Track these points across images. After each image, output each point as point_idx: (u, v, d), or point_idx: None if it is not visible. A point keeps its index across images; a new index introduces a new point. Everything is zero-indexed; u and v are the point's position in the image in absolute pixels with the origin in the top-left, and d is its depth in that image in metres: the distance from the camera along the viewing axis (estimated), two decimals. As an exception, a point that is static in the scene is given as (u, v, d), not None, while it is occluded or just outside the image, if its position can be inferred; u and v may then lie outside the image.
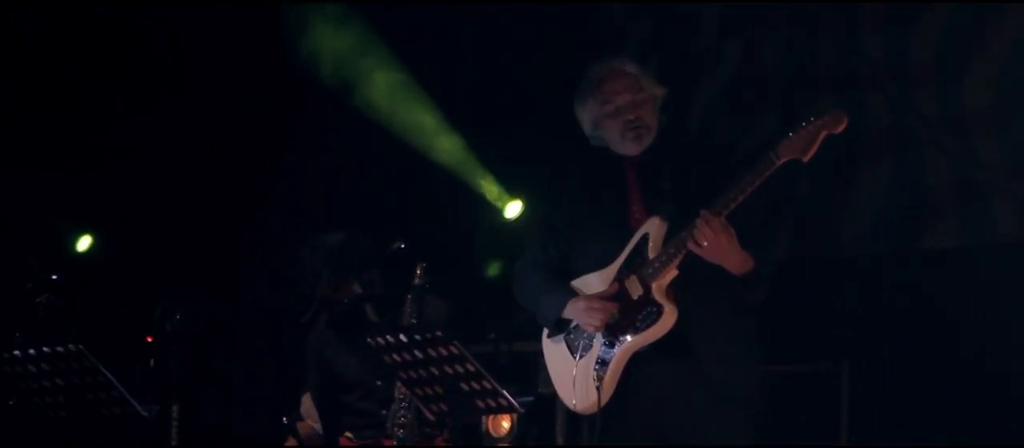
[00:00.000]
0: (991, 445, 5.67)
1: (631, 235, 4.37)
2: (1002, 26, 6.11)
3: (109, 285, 7.20)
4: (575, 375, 4.41)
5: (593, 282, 4.43)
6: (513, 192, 7.10)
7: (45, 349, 4.93)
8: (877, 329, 6.16)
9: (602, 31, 7.35)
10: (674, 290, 4.30)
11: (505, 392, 4.48)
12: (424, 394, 4.61)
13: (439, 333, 4.47)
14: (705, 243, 4.16)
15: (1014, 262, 5.91)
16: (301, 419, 5.58)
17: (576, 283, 4.47)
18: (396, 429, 5.16)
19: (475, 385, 4.48)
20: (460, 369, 4.47)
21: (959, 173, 6.21)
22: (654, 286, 4.29)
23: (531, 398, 5.94)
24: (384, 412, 5.24)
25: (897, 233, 6.37)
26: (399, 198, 7.21)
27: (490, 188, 7.11)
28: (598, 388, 4.31)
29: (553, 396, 5.89)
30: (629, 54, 4.63)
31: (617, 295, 4.37)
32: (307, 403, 5.59)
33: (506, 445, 5.99)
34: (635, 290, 4.33)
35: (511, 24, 7.17)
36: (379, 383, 5.30)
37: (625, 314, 4.34)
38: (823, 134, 4.07)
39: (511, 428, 5.90)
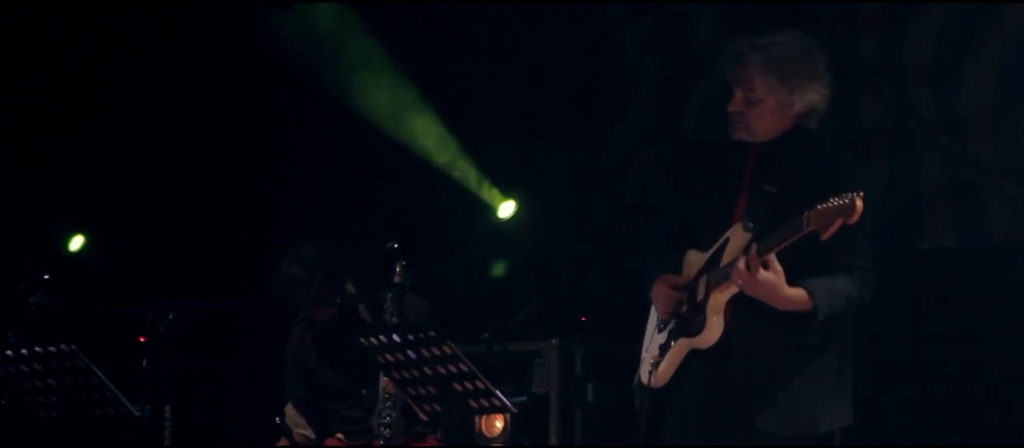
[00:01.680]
0: (985, 446, 5.66)
1: (728, 227, 4.26)
2: (997, 27, 6.10)
3: (102, 285, 7.18)
4: (647, 348, 4.40)
5: (692, 261, 4.34)
6: (507, 192, 7.09)
7: (38, 349, 4.92)
8: (872, 329, 6.15)
9: (600, 31, 7.35)
10: (732, 307, 4.20)
11: (498, 392, 4.47)
12: (417, 394, 4.60)
13: (433, 333, 4.46)
14: (739, 281, 4.07)
15: (1009, 263, 5.90)
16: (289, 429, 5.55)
17: (687, 255, 4.37)
18: (382, 429, 5.16)
19: (468, 385, 4.48)
20: (453, 369, 4.47)
21: (955, 174, 6.20)
22: (713, 295, 4.21)
23: (524, 398, 5.93)
24: (394, 413, 5.23)
25: (893, 234, 6.36)
26: (392, 199, 7.20)
27: (484, 188, 7.10)
28: (651, 372, 4.27)
29: (546, 396, 5.91)
30: (779, 39, 4.29)
31: (689, 287, 4.30)
32: (291, 413, 5.56)
33: (499, 445, 5.98)
34: (701, 291, 4.26)
35: (508, 24, 7.16)
36: (365, 392, 5.28)
37: (690, 310, 4.29)
38: (839, 222, 3.96)
39: (504, 428, 5.89)
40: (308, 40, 7.29)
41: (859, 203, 3.93)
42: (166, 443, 5.29)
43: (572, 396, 5.98)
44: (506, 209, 7.11)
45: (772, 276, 4.06)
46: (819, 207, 3.99)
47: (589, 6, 7.32)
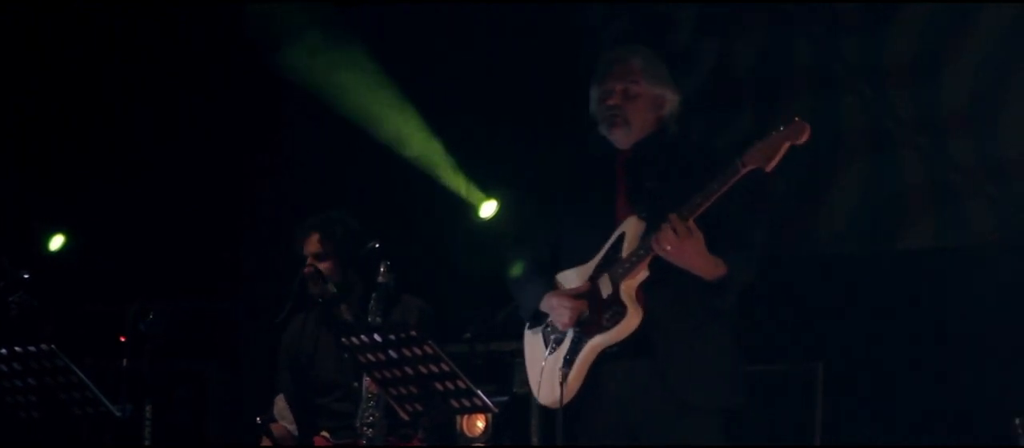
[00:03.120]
0: (965, 445, 5.69)
1: (612, 232, 4.36)
2: (976, 28, 6.13)
3: (82, 284, 7.16)
4: (544, 369, 4.41)
5: (572, 277, 4.42)
6: (488, 191, 7.09)
7: (17, 348, 4.90)
8: (852, 329, 6.18)
9: (579, 31, 7.36)
10: (645, 291, 4.28)
11: (479, 392, 4.47)
12: (398, 394, 4.60)
13: (413, 333, 4.46)
14: (668, 247, 4.14)
15: (988, 263, 5.93)
16: (274, 421, 5.55)
17: (559, 276, 4.46)
18: (364, 428, 5.15)
19: (449, 385, 4.47)
20: (434, 369, 4.46)
21: (934, 174, 6.23)
22: (623, 286, 4.28)
23: (506, 398, 5.93)
24: (377, 412, 5.22)
25: (872, 234, 6.39)
26: (374, 198, 7.19)
27: (465, 187, 7.10)
28: (562, 385, 4.31)
29: (528, 396, 5.92)
30: (647, 49, 4.52)
31: (589, 293, 4.36)
32: (280, 404, 5.57)
33: (481, 445, 5.98)
34: (606, 289, 4.32)
35: (488, 24, 7.16)
36: (356, 384, 5.28)
37: (594, 313, 4.33)
38: (786, 146, 4.07)
39: (486, 428, 5.89)
40: (291, 39, 7.28)
41: (806, 124, 4.06)
42: (146, 443, 5.27)
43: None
44: (488, 209, 7.11)
45: (697, 240, 4.13)
46: (757, 145, 4.09)
47: (568, 6, 7.33)
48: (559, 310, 4.38)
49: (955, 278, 6.01)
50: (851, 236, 6.42)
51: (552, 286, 4.45)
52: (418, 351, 4.45)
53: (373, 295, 5.20)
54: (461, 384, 4.45)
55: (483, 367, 5.83)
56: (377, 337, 4.49)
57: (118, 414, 4.99)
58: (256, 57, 7.27)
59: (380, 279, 5.22)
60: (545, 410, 4.54)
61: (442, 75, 7.20)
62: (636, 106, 4.42)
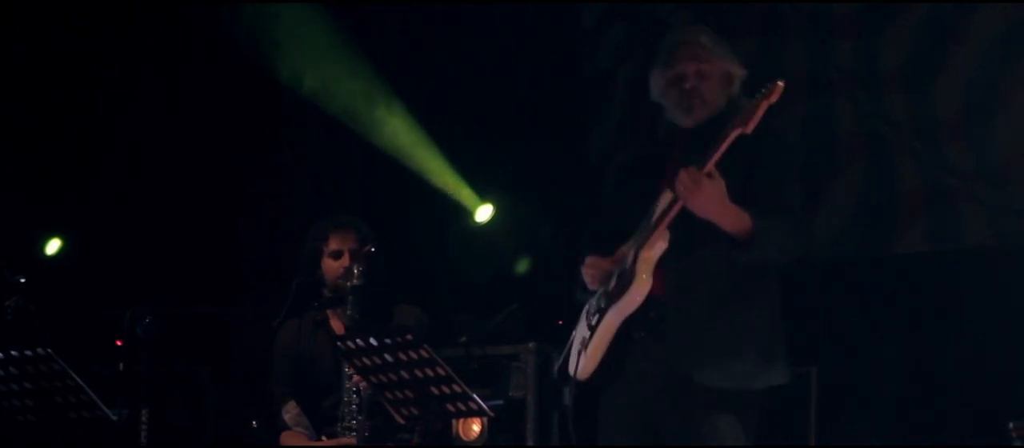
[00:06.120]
0: (956, 446, 5.70)
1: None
2: (970, 33, 6.15)
3: (78, 289, 7.17)
4: (575, 337, 4.38)
5: (623, 249, 4.35)
6: (484, 195, 7.11)
7: (13, 353, 4.90)
8: (846, 333, 6.19)
9: (574, 34, 7.37)
10: (666, 266, 4.19)
11: (475, 396, 4.48)
12: (395, 398, 4.61)
13: (409, 337, 4.47)
14: (681, 189, 4.08)
15: (982, 267, 5.95)
16: (288, 428, 5.53)
17: (622, 249, 4.38)
18: (346, 431, 5.17)
19: (446, 389, 4.48)
20: (430, 373, 4.47)
21: (928, 179, 6.24)
22: (641, 254, 4.21)
23: (502, 402, 5.94)
24: (360, 416, 5.22)
25: (867, 238, 6.40)
26: (370, 202, 7.20)
27: (462, 191, 7.11)
28: (580, 353, 4.27)
29: (524, 400, 5.92)
30: (709, 27, 4.48)
31: (619, 260, 4.29)
32: (293, 410, 5.50)
33: (476, 449, 5.98)
34: (629, 257, 4.25)
35: (484, 27, 7.17)
36: (349, 386, 5.27)
37: (619, 282, 4.26)
38: (764, 104, 4.05)
39: (482, 432, 5.90)
40: (285, 42, 7.29)
41: (780, 82, 4.04)
42: (142, 446, 5.27)
43: (550, 400, 5.99)
44: (483, 213, 7.12)
45: (717, 184, 4.07)
46: (740, 112, 4.07)
47: (565, 10, 7.34)
48: (587, 270, 4.36)
49: (949, 282, 6.02)
50: (845, 240, 6.43)
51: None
52: (414, 355, 4.46)
53: (349, 298, 5.21)
54: (457, 388, 4.46)
55: (479, 371, 5.84)
56: (373, 341, 4.50)
57: (114, 418, 4.99)
58: (253, 62, 7.28)
59: (354, 282, 5.23)
60: (542, 413, 4.53)
61: (437, 78, 7.21)
62: (710, 85, 4.35)
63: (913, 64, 6.30)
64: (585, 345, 4.28)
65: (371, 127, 7.20)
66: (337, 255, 5.43)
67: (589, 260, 4.37)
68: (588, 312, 4.39)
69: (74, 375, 4.88)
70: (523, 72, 7.17)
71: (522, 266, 7.20)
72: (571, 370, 4.34)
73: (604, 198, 4.65)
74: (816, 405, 5.90)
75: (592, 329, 4.30)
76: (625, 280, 4.23)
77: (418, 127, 7.16)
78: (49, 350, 4.87)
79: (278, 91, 7.40)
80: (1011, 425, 4.80)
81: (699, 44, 4.38)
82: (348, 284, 5.26)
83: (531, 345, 5.96)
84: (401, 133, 7.16)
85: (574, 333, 4.45)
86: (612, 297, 4.27)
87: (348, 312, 5.22)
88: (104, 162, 7.75)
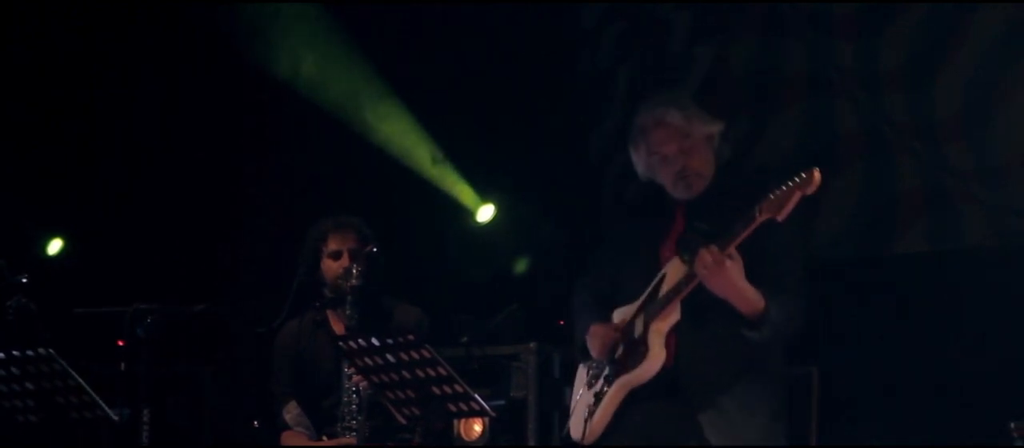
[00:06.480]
0: (954, 446, 5.71)
1: (659, 271, 4.36)
2: (970, 33, 6.15)
3: (80, 288, 7.16)
4: (578, 402, 4.44)
5: (623, 314, 4.43)
6: (485, 196, 7.11)
7: (15, 353, 4.90)
8: (847, 333, 6.19)
9: (575, 35, 7.37)
10: (678, 335, 4.27)
11: (477, 396, 4.48)
12: (396, 398, 4.61)
13: (411, 337, 4.48)
14: (702, 270, 4.12)
15: (981, 267, 5.95)
16: (288, 428, 5.54)
17: (615, 313, 4.46)
18: (346, 431, 5.17)
19: (447, 389, 4.48)
20: (432, 373, 4.47)
21: (928, 179, 6.25)
22: (652, 327, 4.28)
23: (503, 402, 5.94)
24: (360, 416, 5.23)
25: (867, 238, 6.40)
26: (370, 202, 7.20)
27: (463, 192, 7.11)
28: (586, 421, 4.32)
29: (524, 400, 5.93)
30: (674, 95, 4.51)
31: (625, 331, 4.37)
32: (294, 410, 5.50)
33: (478, 449, 5.98)
34: (638, 329, 4.32)
35: (484, 26, 7.17)
36: (349, 386, 5.27)
37: (627, 352, 4.34)
38: (797, 195, 4.08)
39: (483, 432, 5.90)
40: (285, 42, 7.28)
41: (817, 174, 4.05)
42: (143, 446, 5.27)
43: (550, 399, 5.99)
44: (485, 213, 7.12)
45: (736, 265, 4.12)
46: (770, 197, 4.09)
47: (564, 10, 7.34)
48: (593, 339, 4.41)
49: (949, 282, 6.02)
50: (845, 240, 6.43)
51: (606, 320, 4.46)
52: (416, 355, 4.47)
53: (349, 298, 5.22)
54: (458, 388, 4.47)
55: (480, 371, 5.84)
56: (375, 341, 4.51)
57: (115, 418, 4.99)
58: (253, 62, 7.28)
59: (354, 282, 5.24)
60: (544, 414, 4.56)
61: (438, 78, 7.21)
62: (697, 157, 4.38)
63: (913, 64, 6.31)
64: (591, 413, 4.33)
65: (371, 127, 7.20)
66: (337, 255, 5.43)
67: (593, 329, 4.43)
68: (590, 376, 4.44)
69: (75, 375, 4.88)
70: (523, 72, 7.17)
71: (522, 266, 7.21)
72: (577, 435, 4.39)
73: (603, 251, 4.67)
74: (816, 405, 5.90)
75: (598, 396, 4.35)
76: (637, 352, 4.30)
77: (418, 127, 7.16)
78: (50, 350, 4.87)
79: (278, 91, 7.40)
80: (1011, 425, 4.81)
81: (672, 124, 4.38)
82: (348, 284, 5.27)
83: (531, 345, 5.96)
84: (401, 133, 7.16)
85: (574, 395, 4.51)
86: (620, 367, 4.34)
87: (348, 312, 5.23)
88: (104, 162, 7.75)
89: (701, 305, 4.22)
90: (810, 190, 4.07)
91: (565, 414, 6.02)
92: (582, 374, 4.53)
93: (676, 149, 4.37)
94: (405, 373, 4.51)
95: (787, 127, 6.64)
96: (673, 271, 4.30)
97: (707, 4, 6.91)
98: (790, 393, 4.40)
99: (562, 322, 6.61)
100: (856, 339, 6.16)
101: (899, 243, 6.29)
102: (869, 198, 6.39)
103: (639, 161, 4.48)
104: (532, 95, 7.17)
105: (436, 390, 4.49)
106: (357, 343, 4.56)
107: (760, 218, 4.11)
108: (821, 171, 4.07)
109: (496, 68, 7.17)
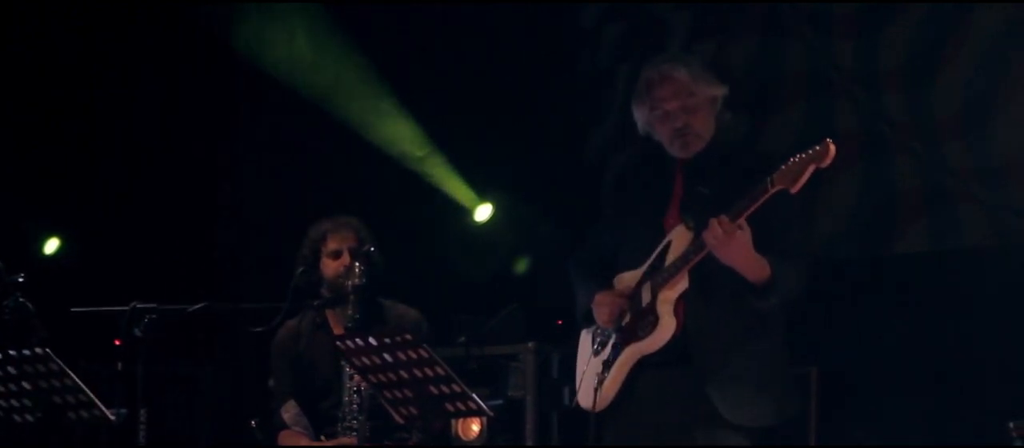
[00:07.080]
0: (955, 447, 5.70)
1: (663, 238, 4.35)
2: (970, 33, 6.15)
3: (77, 288, 7.16)
4: (586, 370, 4.43)
5: (626, 280, 4.41)
6: (484, 195, 7.10)
7: (11, 352, 4.89)
8: (846, 333, 6.18)
9: (574, 34, 7.37)
10: (686, 302, 4.27)
11: (474, 396, 4.48)
12: (393, 397, 4.61)
13: (409, 336, 4.47)
14: (713, 241, 4.12)
15: (981, 267, 5.94)
16: (286, 427, 5.52)
17: (616, 279, 4.45)
18: (347, 431, 5.16)
19: (445, 388, 4.48)
20: (429, 372, 4.47)
21: (928, 178, 6.24)
22: (660, 296, 4.28)
23: (501, 401, 5.94)
24: (361, 417, 5.22)
25: (867, 238, 6.40)
26: (370, 202, 7.20)
27: (461, 191, 7.11)
28: (596, 390, 4.32)
29: (523, 400, 5.92)
30: (682, 54, 4.52)
31: (632, 297, 4.36)
32: (292, 410, 5.50)
33: (476, 448, 5.98)
34: (645, 297, 4.31)
35: (484, 26, 7.17)
36: (350, 386, 5.27)
37: (634, 319, 4.33)
38: (812, 167, 4.08)
39: (481, 432, 5.89)
40: (284, 43, 7.28)
41: (831, 146, 4.06)
42: (141, 446, 5.26)
43: (549, 400, 5.99)
44: (483, 212, 7.12)
45: (745, 234, 4.11)
46: (783, 167, 4.09)
47: (564, 10, 7.34)
48: (599, 307, 4.39)
49: (949, 282, 6.01)
50: (845, 240, 6.43)
51: (608, 287, 4.44)
52: (414, 354, 4.46)
53: (349, 298, 5.21)
54: (456, 388, 4.46)
55: (478, 371, 5.84)
56: (373, 340, 4.50)
57: (113, 418, 4.98)
58: (252, 62, 7.28)
59: (353, 281, 5.23)
60: (542, 414, 4.54)
61: (437, 78, 7.21)
62: (699, 117, 4.38)
63: (913, 64, 6.30)
64: (601, 381, 4.33)
65: (371, 127, 7.20)
66: (336, 255, 5.43)
67: (599, 297, 4.41)
68: (596, 345, 4.44)
69: (72, 374, 4.87)
70: (522, 71, 7.16)
71: (522, 266, 7.20)
72: (586, 404, 4.39)
73: (603, 218, 4.66)
74: (816, 405, 5.89)
75: (606, 364, 4.35)
76: (646, 321, 4.29)
77: (418, 127, 7.16)
78: (47, 350, 4.86)
79: (277, 91, 7.40)
80: (1011, 425, 4.79)
81: (678, 80, 4.38)
82: (347, 284, 5.27)
83: (530, 345, 5.96)
84: (401, 133, 7.16)
85: (580, 365, 4.50)
86: (629, 334, 4.33)
87: (348, 312, 5.22)
88: (104, 162, 7.75)
89: (709, 274, 4.22)
90: (825, 163, 4.07)
91: (564, 414, 6.04)
92: (586, 341, 4.51)
93: (678, 106, 4.37)
94: (403, 372, 4.50)
95: (787, 127, 6.63)
96: (679, 239, 4.29)
97: (707, 4, 6.90)
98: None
99: (561, 322, 6.62)
100: (856, 339, 6.15)
101: (899, 243, 6.28)
102: (869, 198, 6.38)
103: (640, 116, 4.47)
104: (532, 94, 7.17)
105: (434, 390, 4.48)
106: (355, 342, 4.55)
107: (773, 189, 4.11)
108: (837, 148, 4.07)
109: (495, 68, 7.17)
